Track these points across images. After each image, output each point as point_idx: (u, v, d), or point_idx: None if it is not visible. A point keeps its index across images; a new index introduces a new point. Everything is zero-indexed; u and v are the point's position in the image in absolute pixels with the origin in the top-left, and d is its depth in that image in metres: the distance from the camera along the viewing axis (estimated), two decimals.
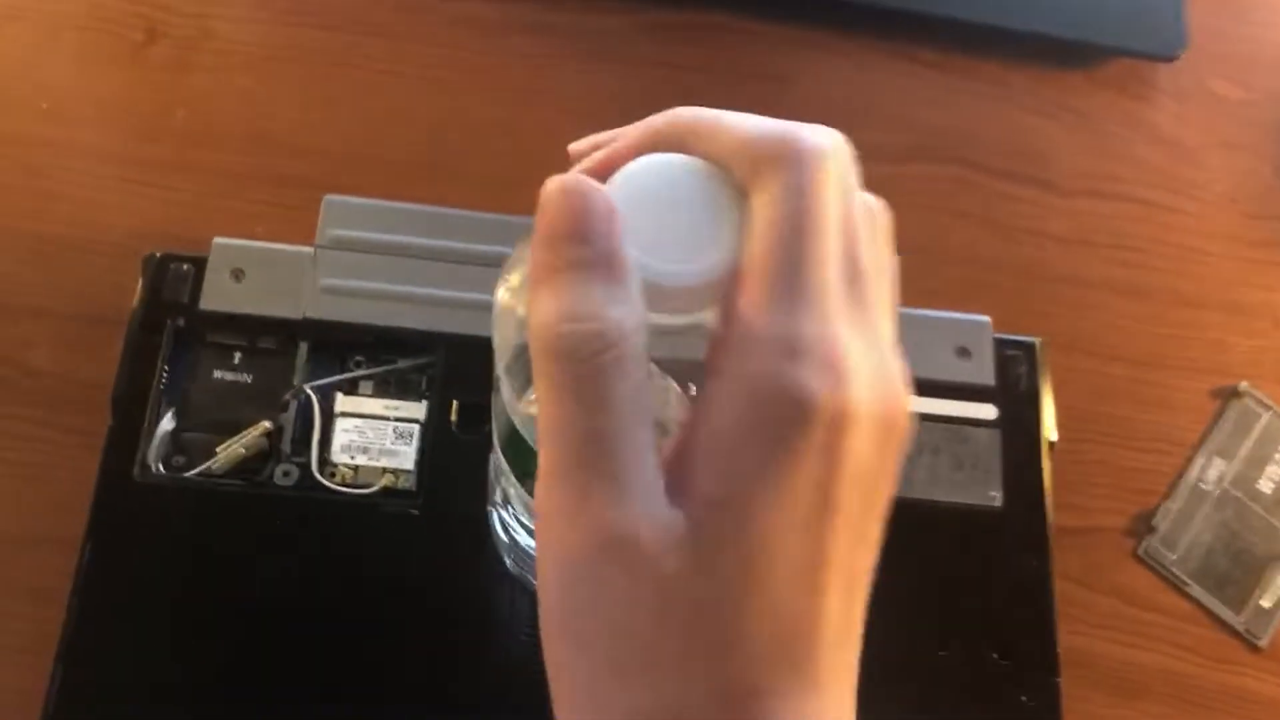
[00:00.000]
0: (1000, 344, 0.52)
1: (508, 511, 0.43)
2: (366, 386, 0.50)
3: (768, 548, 0.23)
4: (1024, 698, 0.46)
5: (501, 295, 0.32)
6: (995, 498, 0.49)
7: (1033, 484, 0.50)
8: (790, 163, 0.25)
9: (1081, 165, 0.62)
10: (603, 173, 0.27)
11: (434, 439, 0.48)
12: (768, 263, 0.24)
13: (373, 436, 0.48)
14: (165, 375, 0.48)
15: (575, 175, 0.26)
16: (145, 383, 0.48)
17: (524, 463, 0.34)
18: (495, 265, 0.52)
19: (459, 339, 0.50)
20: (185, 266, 0.50)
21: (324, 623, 0.46)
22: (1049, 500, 0.50)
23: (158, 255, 0.50)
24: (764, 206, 0.25)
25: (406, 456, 0.48)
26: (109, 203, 0.54)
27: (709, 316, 0.26)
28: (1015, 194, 0.61)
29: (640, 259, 0.25)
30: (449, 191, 0.56)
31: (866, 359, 0.25)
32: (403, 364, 0.50)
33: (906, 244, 0.56)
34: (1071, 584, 0.51)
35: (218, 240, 0.50)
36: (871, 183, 0.60)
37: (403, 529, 0.47)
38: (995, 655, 0.47)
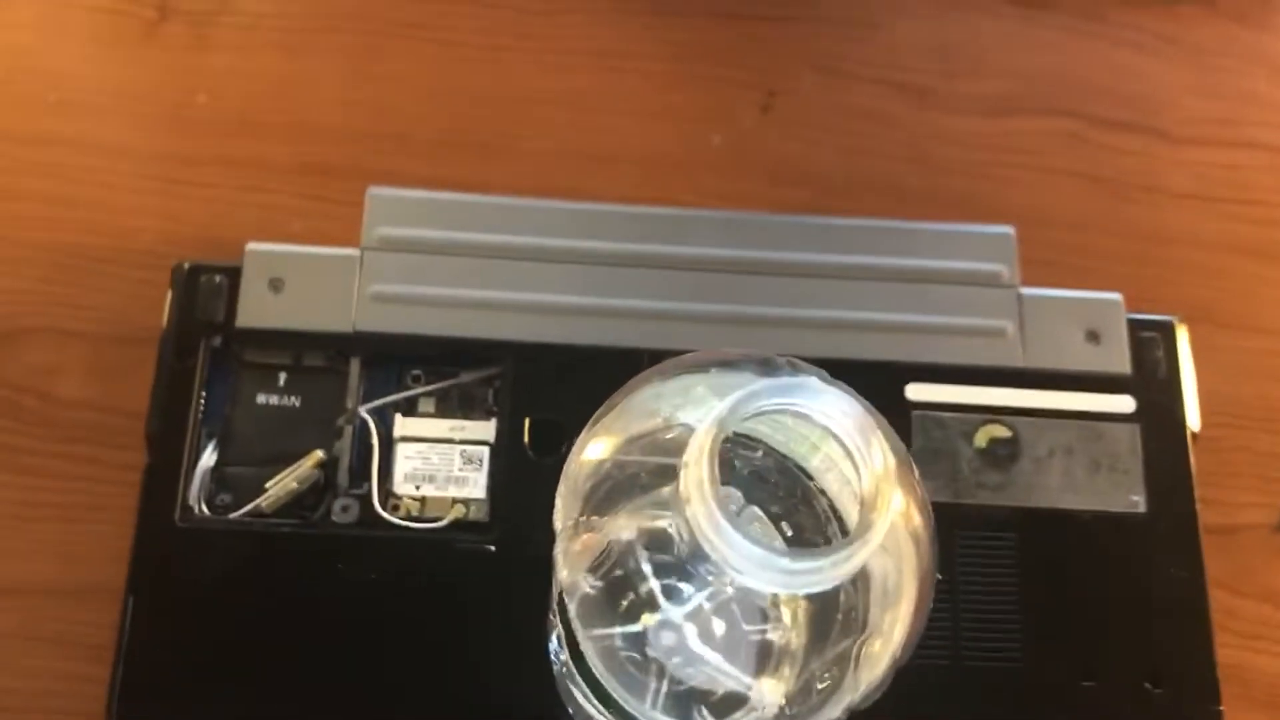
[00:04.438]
0: (1133, 325, 0.46)
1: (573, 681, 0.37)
2: (427, 404, 0.44)
3: None
4: None
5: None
6: (1138, 502, 0.44)
7: (1178, 484, 0.44)
8: None
9: (1196, 109, 0.55)
10: None
11: (506, 463, 0.43)
12: None
13: (438, 462, 0.43)
14: (203, 403, 0.43)
15: None
16: (182, 413, 0.43)
17: (599, 690, 0.29)
18: (565, 261, 0.47)
19: (527, 347, 0.44)
20: (218, 278, 0.44)
21: (392, 673, 0.41)
22: (1198, 503, 0.44)
23: (186, 267, 0.45)
24: None
25: (477, 484, 0.43)
26: (131, 205, 0.49)
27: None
28: (1124, 146, 0.54)
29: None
30: (507, 174, 0.51)
31: None
32: (466, 377, 0.45)
33: (1015, 211, 0.51)
34: (1218, 589, 0.46)
35: (251, 246, 0.45)
36: (971, 140, 0.55)
37: (477, 566, 0.42)
38: (1148, 684, 0.42)
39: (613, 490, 0.27)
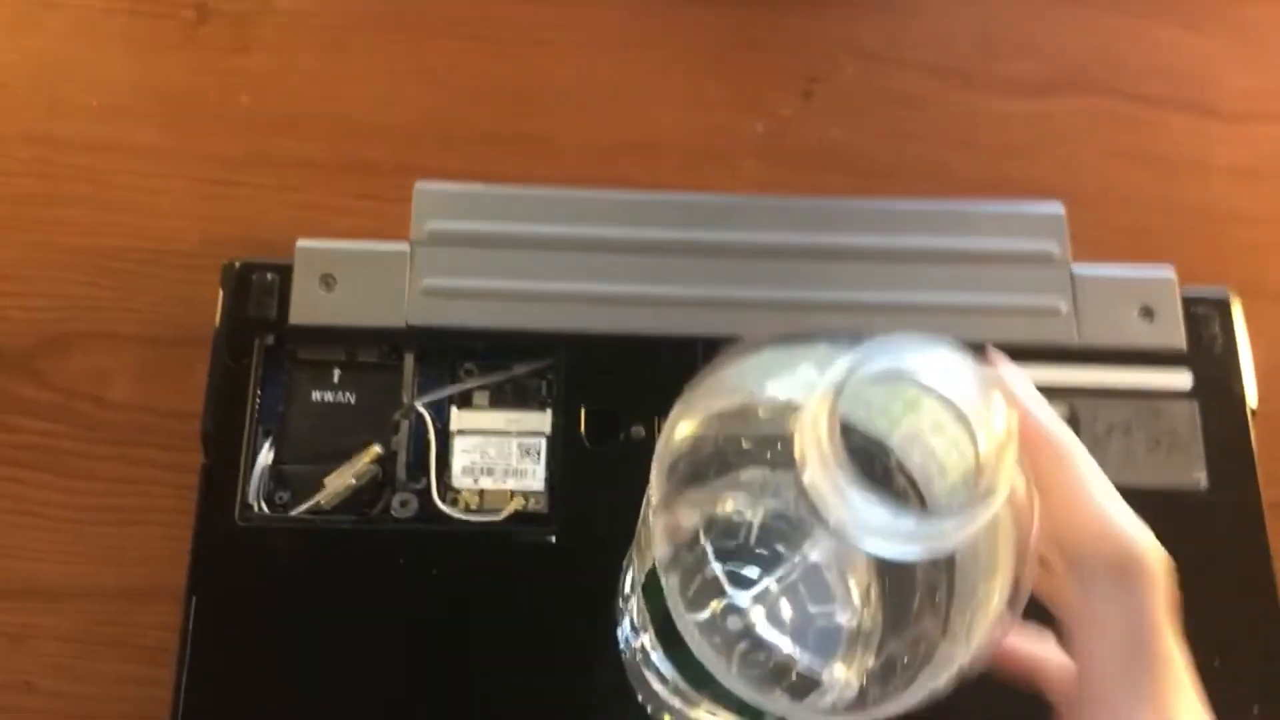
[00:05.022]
0: (1187, 300, 0.46)
1: (649, 667, 0.37)
2: (481, 398, 0.44)
3: None
4: (1255, 708, 0.41)
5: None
6: (1199, 479, 0.44)
7: (1240, 460, 0.44)
8: (1135, 580, 0.28)
9: (1244, 85, 0.55)
10: None
11: (563, 453, 0.43)
12: (1109, 691, 0.27)
13: (495, 455, 0.43)
14: (258, 401, 0.43)
15: None
16: (237, 412, 0.43)
17: (690, 669, 0.29)
18: (615, 251, 0.46)
19: (579, 338, 0.44)
20: (269, 276, 0.44)
21: (456, 666, 0.41)
22: (1260, 478, 0.44)
23: (238, 265, 0.45)
24: (1107, 619, 0.27)
25: (535, 475, 0.43)
26: (177, 208, 0.49)
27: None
28: (1170, 123, 0.54)
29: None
30: (549, 167, 0.51)
31: None
32: (519, 369, 0.44)
33: (1062, 191, 0.51)
34: None
35: (302, 243, 0.45)
36: (1016, 122, 0.54)
37: (538, 557, 0.42)
38: (1216, 661, 0.41)
39: (697, 469, 0.27)
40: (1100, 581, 0.28)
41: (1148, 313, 0.45)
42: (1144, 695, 0.28)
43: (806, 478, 0.21)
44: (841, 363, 0.21)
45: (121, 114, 0.51)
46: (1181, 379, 0.45)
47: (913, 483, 0.29)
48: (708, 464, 0.28)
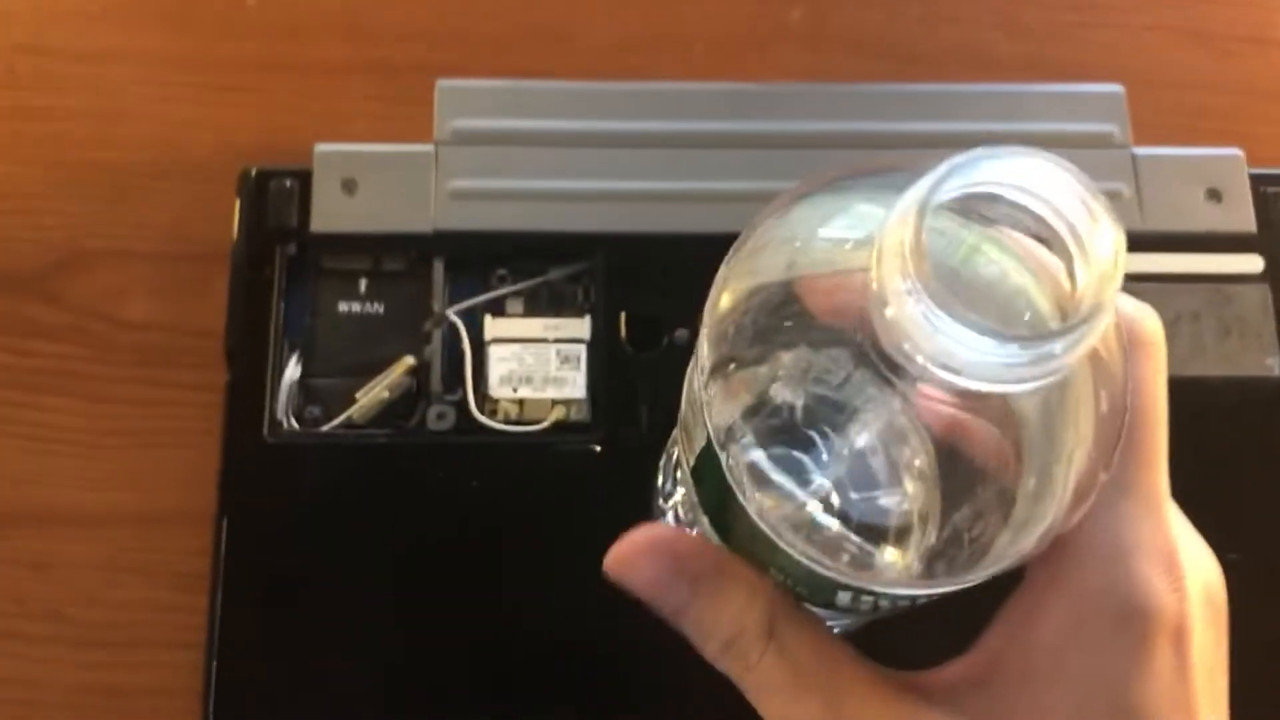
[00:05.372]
0: (1255, 180, 0.43)
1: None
2: (515, 305, 0.42)
3: None
4: None
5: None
6: (1272, 365, 0.41)
7: None
8: (1133, 350, 0.24)
9: None
10: None
11: (604, 360, 0.41)
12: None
13: (534, 363, 0.41)
14: (283, 314, 0.41)
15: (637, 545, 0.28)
16: (261, 326, 0.41)
17: (755, 550, 0.27)
18: (650, 145, 0.44)
19: (617, 238, 0.42)
20: (289, 182, 0.42)
21: (498, 583, 0.39)
22: None
23: (254, 172, 0.42)
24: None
25: (576, 383, 0.41)
26: (187, 117, 0.47)
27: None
28: None
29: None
30: (575, 63, 0.48)
31: (1192, 550, 0.26)
32: (554, 274, 0.42)
33: (1114, 73, 0.48)
34: None
35: (320, 147, 0.43)
36: (1061, 2, 0.51)
37: (582, 468, 0.40)
38: None
39: (747, 335, 0.25)
40: None
41: (1215, 195, 0.43)
42: (1131, 487, 0.25)
43: (889, 312, 0.19)
44: (924, 181, 0.19)
45: (123, 19, 0.48)
46: (1252, 263, 0.42)
47: None
48: (757, 330, 0.26)
